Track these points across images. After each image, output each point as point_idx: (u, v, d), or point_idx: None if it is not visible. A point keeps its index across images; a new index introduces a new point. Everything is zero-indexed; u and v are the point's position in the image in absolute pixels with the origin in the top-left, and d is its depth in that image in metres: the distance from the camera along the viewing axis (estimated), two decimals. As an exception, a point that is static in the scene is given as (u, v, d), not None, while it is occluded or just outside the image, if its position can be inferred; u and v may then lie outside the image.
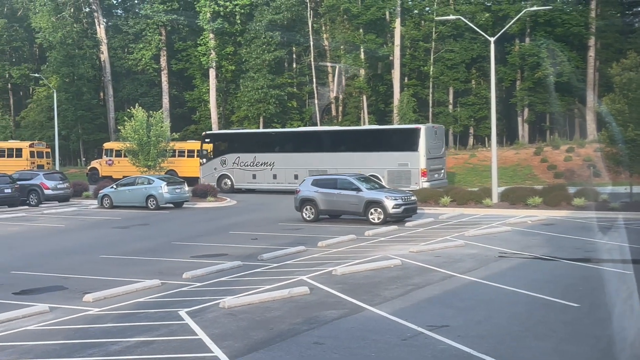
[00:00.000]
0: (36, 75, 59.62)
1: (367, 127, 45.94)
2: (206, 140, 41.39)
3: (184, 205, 31.44)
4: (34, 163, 46.20)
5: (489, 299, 12.77)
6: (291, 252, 18.11)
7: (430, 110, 55.91)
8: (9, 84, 69.76)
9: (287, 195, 32.11)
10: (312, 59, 58.85)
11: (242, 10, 55.53)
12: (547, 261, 16.40)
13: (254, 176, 37.54)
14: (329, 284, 13.80)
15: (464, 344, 9.29)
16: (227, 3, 54.70)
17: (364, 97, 57.38)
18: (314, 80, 59.01)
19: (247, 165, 38.23)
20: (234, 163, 37.80)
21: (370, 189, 24.30)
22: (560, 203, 26.21)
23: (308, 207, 24.86)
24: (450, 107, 57.25)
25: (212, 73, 57.04)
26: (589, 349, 9.07)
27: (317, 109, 58.80)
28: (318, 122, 56.96)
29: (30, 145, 49.17)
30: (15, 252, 19.79)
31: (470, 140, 58.07)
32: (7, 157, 47.71)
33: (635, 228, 21.55)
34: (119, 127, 44.78)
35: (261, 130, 47.80)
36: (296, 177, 35.00)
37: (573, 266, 15.60)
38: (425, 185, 32.40)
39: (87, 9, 62.61)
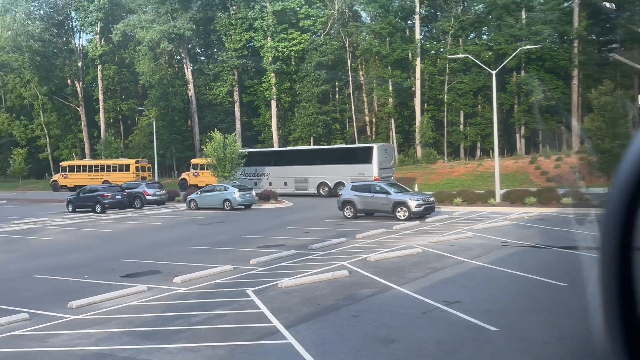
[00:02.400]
0: (140, 108, 61.32)
1: (336, 146, 46.43)
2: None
3: (252, 207, 31.55)
4: (138, 175, 46.95)
5: (493, 280, 12.62)
6: (335, 242, 18.04)
7: (445, 129, 55.54)
8: (120, 115, 71.60)
9: (321, 198, 34.02)
10: (351, 91, 59.08)
11: (296, 55, 55.99)
12: (541, 249, 16.02)
13: (256, 184, 37.84)
14: (365, 268, 13.76)
15: (472, 317, 9.20)
16: (285, 49, 55.16)
17: (392, 120, 57.16)
18: (353, 107, 59.19)
19: (251, 175, 39.27)
20: (241, 174, 37.95)
21: (397, 192, 24.08)
22: (551, 202, 25.62)
23: (348, 207, 24.75)
24: (461, 126, 56.70)
25: (273, 104, 57.47)
26: (575, 320, 8.81)
27: (355, 130, 58.82)
28: (356, 140, 57.07)
29: (136, 162, 50.04)
30: (123, 245, 20.08)
31: (478, 153, 57.27)
32: (118, 171, 48.75)
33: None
34: (202, 147, 45.49)
35: (260, 149, 48.12)
36: (285, 183, 37.97)
37: (562, 253, 15.21)
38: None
39: (178, 57, 63.58)
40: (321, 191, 36.80)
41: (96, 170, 50.51)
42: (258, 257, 15.54)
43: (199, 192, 32.45)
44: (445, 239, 17.92)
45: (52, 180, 54.96)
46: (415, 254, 15.46)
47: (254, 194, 31.87)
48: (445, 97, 55.06)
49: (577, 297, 10.43)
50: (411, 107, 56.95)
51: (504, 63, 34.36)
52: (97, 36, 67.03)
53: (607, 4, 29.07)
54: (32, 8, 69.31)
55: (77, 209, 32.31)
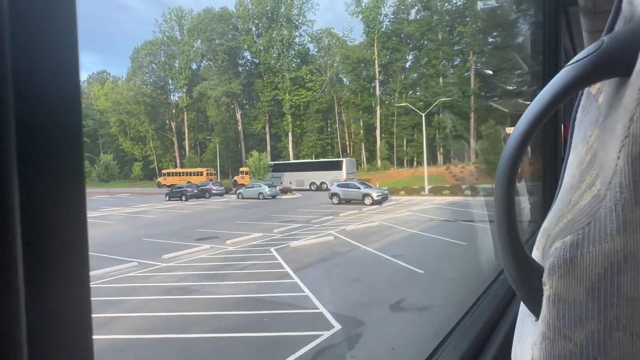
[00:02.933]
0: (209, 137, 60.64)
1: (320, 160, 44.22)
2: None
3: (276, 197, 31.16)
4: (208, 178, 46.58)
5: (422, 241, 12.06)
6: (326, 219, 17.51)
7: (395, 149, 54.85)
8: (198, 142, 70.23)
9: (314, 192, 32.33)
10: (337, 126, 58.55)
11: (303, 104, 55.48)
12: (451, 222, 15.76)
13: (280, 182, 36.68)
14: (344, 234, 13.28)
15: (408, 264, 8.88)
16: (297, 101, 54.81)
17: (362, 144, 56.56)
18: (338, 136, 58.63)
19: (275, 178, 37.67)
20: (270, 177, 37.01)
21: (365, 188, 23.75)
22: (458, 193, 25.33)
23: (335, 197, 24.39)
24: (405, 147, 56.09)
25: (290, 134, 56.82)
26: (470, 264, 8.58)
27: (340, 149, 58.25)
28: (340, 156, 56.40)
29: (207, 170, 49.57)
30: (196, 220, 19.50)
31: (415, 163, 56.73)
32: (196, 175, 48.30)
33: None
34: (246, 160, 44.88)
35: (280, 162, 44.96)
36: (291, 182, 35.48)
37: (463, 224, 14.95)
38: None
39: (232, 106, 63.05)
40: (311, 187, 35.87)
41: (183, 175, 50.18)
42: (278, 228, 15.27)
43: (244, 188, 32.08)
44: (393, 217, 17.41)
45: (157, 181, 54.61)
46: (375, 226, 15.09)
47: (278, 189, 31.48)
48: (395, 129, 54.49)
49: (472, 250, 10.22)
50: (374, 136, 56.39)
51: (429, 109, 33.92)
52: (184, 94, 66.63)
53: (488, 71, 29.01)
54: (145, 78, 69.26)
55: (171, 199, 31.97)
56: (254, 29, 58.82)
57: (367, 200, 22.79)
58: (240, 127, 61.95)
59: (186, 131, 66.23)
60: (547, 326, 0.31)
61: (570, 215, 0.32)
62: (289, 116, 56.56)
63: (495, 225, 0.33)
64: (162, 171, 54.27)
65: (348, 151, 63.46)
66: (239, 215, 20.98)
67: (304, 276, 8.41)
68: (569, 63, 0.32)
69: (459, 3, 50.40)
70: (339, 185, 24.62)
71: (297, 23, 56.03)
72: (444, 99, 41.00)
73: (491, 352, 1.07)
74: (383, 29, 54.07)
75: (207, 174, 48.19)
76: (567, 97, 0.32)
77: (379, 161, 53.20)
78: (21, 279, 0.25)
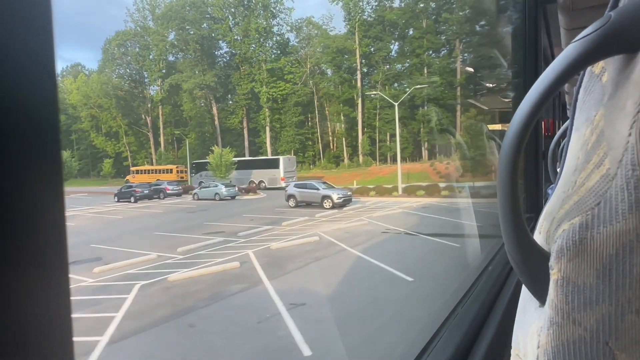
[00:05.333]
0: (185, 133, 56.97)
1: (261, 157, 40.48)
2: (193, 163, 39.87)
3: (236, 198, 27.57)
4: (179, 176, 42.97)
5: (354, 274, 8.31)
6: (263, 230, 13.66)
7: (377, 144, 51.47)
8: (175, 138, 66.18)
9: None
10: (317, 120, 54.92)
11: (281, 97, 51.83)
12: (410, 236, 12.25)
13: (213, 180, 32.90)
14: (262, 256, 9.63)
15: (302, 330, 5.35)
16: (274, 93, 51.21)
17: (344, 139, 53.10)
18: (318, 131, 55.06)
19: (208, 177, 34.33)
20: (201, 175, 34.50)
21: (325, 189, 20.21)
22: (435, 194, 21.93)
23: (292, 199, 20.83)
24: (388, 142, 52.85)
25: (267, 128, 53.27)
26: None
27: (320, 146, 54.79)
28: (321, 153, 53.02)
29: (177, 167, 46.24)
30: (105, 232, 15.85)
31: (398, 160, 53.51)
32: (166, 173, 44.83)
33: (478, 210, 17.18)
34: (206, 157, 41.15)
35: (242, 159, 41.19)
36: (230, 181, 31.67)
37: (425, 242, 11.42)
38: (283, 184, 29.02)
39: (208, 99, 59.05)
40: (252, 186, 32.50)
41: (152, 173, 46.50)
42: (190, 245, 11.69)
43: (200, 187, 28.47)
44: (344, 227, 13.82)
45: (125, 179, 50.85)
46: (311, 242, 11.54)
47: (237, 189, 27.89)
48: (377, 123, 51.07)
49: (418, 293, 6.77)
50: (356, 130, 53.00)
51: (401, 98, 30.36)
52: (159, 87, 62.69)
53: (469, 69, 26.12)
54: (118, 70, 65.21)
55: (120, 200, 28.30)
56: (230, 17, 54.91)
57: (327, 204, 19.27)
58: (216, 122, 58.33)
59: (161, 126, 62.37)
60: (555, 311, 0.30)
61: (577, 196, 0.31)
62: (266, 110, 52.69)
63: (499, 209, 0.32)
64: (131, 168, 50.52)
65: (331, 147, 59.95)
66: (170, 223, 17.33)
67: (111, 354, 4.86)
68: (575, 40, 0.30)
69: (445, -11, 46.88)
70: (296, 186, 21.08)
71: (274, 11, 52.15)
72: (427, 90, 37.55)
73: (486, 339, 1.07)
74: (365, 16, 50.35)
75: (177, 172, 44.61)
76: (573, 75, 0.31)
77: (361, 157, 49.71)
78: None
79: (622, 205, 0.27)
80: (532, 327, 0.33)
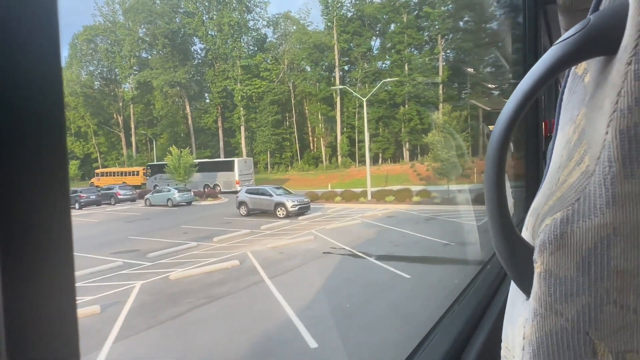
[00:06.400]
0: (157, 133, 53.96)
1: (215, 159, 37.80)
2: (148, 165, 37.23)
3: (192, 203, 24.93)
4: (145, 178, 39.83)
5: (247, 318, 6.25)
6: (176, 250, 11.20)
7: (357, 145, 49.22)
8: (148, 138, 63.24)
9: None
10: (294, 120, 52.45)
11: (256, 95, 49.29)
12: (358, 258, 9.83)
13: (168, 184, 30.50)
14: (162, 285, 7.33)
15: None
16: (248, 91, 48.64)
17: (321, 139, 50.78)
18: (295, 131, 52.62)
19: (163, 180, 32.23)
20: (156, 178, 32.28)
21: (279, 195, 17.72)
22: (405, 200, 19.59)
23: (243, 206, 18.30)
24: (367, 143, 50.59)
25: (242, 128, 50.75)
26: None
27: (297, 146, 52.42)
28: (299, 154, 50.65)
29: (144, 169, 43.13)
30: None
31: (380, 161, 51.32)
32: (133, 175, 41.78)
33: (446, 219, 14.85)
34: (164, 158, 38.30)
35: (201, 160, 38.24)
36: (185, 185, 29.38)
37: (372, 266, 9.03)
38: (238, 188, 26.76)
39: (181, 97, 56.32)
40: (205, 189, 29.93)
41: (117, 175, 43.52)
42: (90, 269, 9.17)
43: (152, 192, 25.75)
44: (285, 245, 11.33)
45: (90, 182, 47.72)
46: (229, 267, 9.04)
47: (192, 194, 25.22)
48: (357, 122, 48.77)
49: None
50: (335, 130, 50.67)
51: (369, 95, 28.03)
52: (130, 85, 59.59)
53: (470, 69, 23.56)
54: (91, 68, 61.94)
55: (64, 206, 25.45)
56: (204, 11, 52.13)
57: (280, 212, 16.79)
58: (190, 122, 55.42)
59: (132, 126, 59.21)
60: (539, 303, 0.31)
61: (560, 192, 0.32)
62: (241, 109, 49.88)
63: (486, 206, 0.33)
64: (95, 171, 47.38)
65: (311, 147, 57.61)
66: (91, 237, 14.38)
67: None
68: (556, 42, 0.31)
69: (426, -17, 44.79)
70: (247, 192, 18.59)
71: (249, 5, 49.56)
72: (408, 88, 35.35)
73: (481, 336, 1.09)
74: (344, 11, 48.05)
75: (144, 174, 41.83)
76: (555, 76, 0.31)
77: (340, 158, 47.37)
78: None
79: (600, 200, 0.28)
80: (519, 320, 0.33)
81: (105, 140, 61.37)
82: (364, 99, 23.14)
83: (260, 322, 5.68)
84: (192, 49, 54.53)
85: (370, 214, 16.80)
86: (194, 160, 30.74)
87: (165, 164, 30.61)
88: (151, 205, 24.48)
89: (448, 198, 18.65)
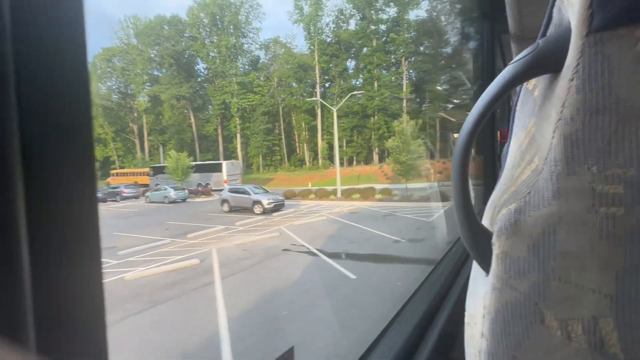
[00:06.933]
0: (167, 139, 51.52)
1: (208, 162, 35.15)
2: (151, 167, 34.26)
3: (187, 200, 23.37)
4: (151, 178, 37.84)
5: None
6: (150, 246, 9.63)
7: (336, 150, 47.60)
8: (159, 144, 60.81)
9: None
10: (282, 128, 50.89)
11: (250, 107, 47.63)
12: (313, 256, 8.61)
13: (167, 183, 28.83)
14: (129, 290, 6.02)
15: None
16: (243, 103, 47.02)
17: (305, 145, 49.39)
18: (283, 139, 51.11)
19: (164, 179, 30.03)
20: (158, 177, 30.15)
21: (257, 194, 16.48)
22: (370, 197, 18.56)
23: (225, 204, 17.05)
24: (344, 147, 49.52)
25: (238, 136, 48.97)
26: None
27: (285, 151, 50.87)
28: (286, 157, 49.08)
29: (148, 169, 40.99)
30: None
31: (354, 163, 50.18)
32: (144, 175, 39.58)
33: (402, 215, 13.71)
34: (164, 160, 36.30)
35: (196, 162, 35.43)
36: (180, 184, 27.60)
37: (324, 264, 7.83)
38: (226, 186, 24.52)
39: (186, 109, 54.19)
40: (199, 188, 28.30)
41: (131, 175, 41.45)
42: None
43: (151, 191, 24.12)
44: (251, 241, 9.98)
45: (106, 181, 45.42)
46: (188, 265, 7.72)
47: (187, 192, 23.68)
48: (334, 131, 47.45)
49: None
50: (316, 137, 49.32)
51: (337, 106, 26.73)
52: (143, 98, 57.28)
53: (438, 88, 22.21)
54: (109, 84, 59.43)
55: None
56: (205, 35, 50.25)
57: (257, 209, 15.48)
58: (194, 129, 53.64)
59: (145, 133, 56.99)
60: (497, 279, 0.31)
61: (514, 187, 0.32)
62: (237, 119, 48.57)
63: (453, 199, 0.34)
64: (111, 171, 45.28)
65: (297, 151, 56.45)
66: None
67: None
68: (511, 62, 0.32)
69: (393, 14, 43.68)
70: (230, 191, 17.32)
71: (244, 31, 47.93)
72: (377, 101, 34.27)
73: (448, 307, 1.09)
74: (323, 37, 46.71)
75: (147, 174, 39.90)
76: (509, 91, 0.32)
77: (320, 161, 46.25)
78: (27, 275, 0.22)
79: (547, 193, 0.28)
80: (480, 293, 0.34)
81: (122, 146, 59.10)
82: (334, 109, 21.79)
83: (184, 337, 4.38)
84: (196, 68, 52.80)
85: (337, 210, 15.64)
86: (191, 163, 29.13)
87: (166, 166, 28.94)
88: (150, 202, 22.87)
89: (406, 195, 17.64)
